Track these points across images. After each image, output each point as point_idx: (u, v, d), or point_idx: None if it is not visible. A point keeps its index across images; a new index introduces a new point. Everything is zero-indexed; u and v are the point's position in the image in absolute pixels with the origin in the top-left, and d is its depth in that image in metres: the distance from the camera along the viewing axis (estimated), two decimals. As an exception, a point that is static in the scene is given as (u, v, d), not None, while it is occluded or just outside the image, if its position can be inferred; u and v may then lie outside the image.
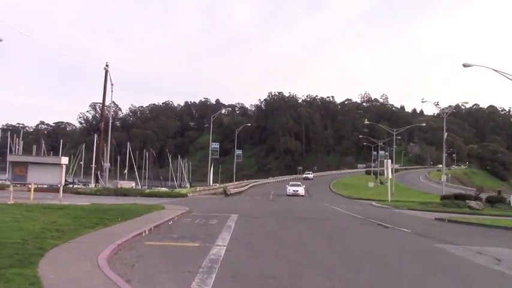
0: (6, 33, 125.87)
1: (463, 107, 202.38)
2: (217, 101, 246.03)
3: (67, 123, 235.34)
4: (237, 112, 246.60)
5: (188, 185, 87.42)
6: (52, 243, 10.04)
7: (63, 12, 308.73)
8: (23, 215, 15.14)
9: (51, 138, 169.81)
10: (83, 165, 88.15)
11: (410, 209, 36.26)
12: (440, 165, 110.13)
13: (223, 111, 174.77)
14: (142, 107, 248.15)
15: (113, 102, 59.81)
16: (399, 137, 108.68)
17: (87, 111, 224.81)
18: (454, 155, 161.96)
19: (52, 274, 7.22)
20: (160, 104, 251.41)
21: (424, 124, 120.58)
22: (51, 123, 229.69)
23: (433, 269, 10.03)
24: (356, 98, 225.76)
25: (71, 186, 50.52)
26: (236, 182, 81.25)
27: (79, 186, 50.48)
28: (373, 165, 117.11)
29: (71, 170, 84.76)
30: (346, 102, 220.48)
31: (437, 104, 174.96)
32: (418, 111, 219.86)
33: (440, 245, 14.07)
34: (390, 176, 50.64)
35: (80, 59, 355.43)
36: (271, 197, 52.68)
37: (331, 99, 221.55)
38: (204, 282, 7.66)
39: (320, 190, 74.48)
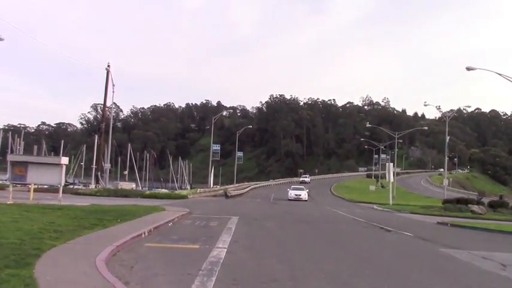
0: (8, 32, 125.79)
1: (464, 111, 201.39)
2: (219, 103, 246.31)
3: (68, 124, 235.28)
4: (238, 114, 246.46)
5: (189, 187, 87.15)
6: (50, 243, 9.87)
7: (66, 12, 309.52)
8: (21, 215, 14.96)
9: (53, 139, 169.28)
10: (83, 166, 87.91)
11: (412, 212, 36.05)
12: (442, 169, 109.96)
13: (224, 113, 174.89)
14: (143, 108, 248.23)
15: (114, 103, 59.67)
16: (400, 141, 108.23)
17: (89, 112, 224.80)
18: (455, 159, 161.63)
19: (48, 275, 7.04)
20: (162, 105, 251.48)
21: (426, 128, 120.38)
22: (52, 124, 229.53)
23: (439, 275, 9.83)
24: (357, 101, 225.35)
25: (71, 186, 50.33)
26: (237, 184, 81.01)
27: (79, 187, 50.30)
28: (374, 168, 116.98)
29: (71, 170, 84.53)
30: (347, 105, 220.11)
31: (439, 108, 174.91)
32: (420, 115, 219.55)
33: (444, 249, 13.86)
34: (392, 179, 50.43)
35: (82, 59, 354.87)
36: (272, 199, 52.54)
37: (333, 102, 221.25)
38: (204, 285, 7.48)
39: (321, 193, 74.21)
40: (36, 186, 29.04)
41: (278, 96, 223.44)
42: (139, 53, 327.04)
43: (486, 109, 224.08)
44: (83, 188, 49.17)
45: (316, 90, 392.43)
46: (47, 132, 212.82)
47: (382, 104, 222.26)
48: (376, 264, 10.89)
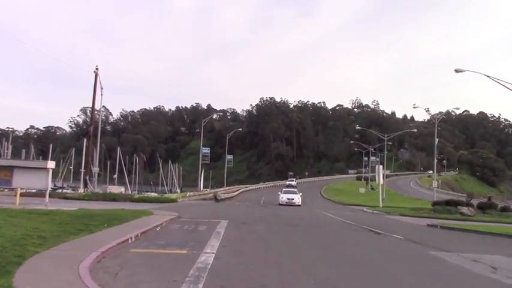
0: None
1: (453, 114, 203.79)
2: (209, 106, 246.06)
3: (57, 127, 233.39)
4: (229, 117, 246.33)
5: (178, 190, 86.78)
6: (32, 250, 9.61)
7: (54, 15, 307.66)
8: (5, 221, 14.62)
9: (41, 143, 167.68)
10: (72, 170, 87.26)
11: (402, 215, 36.07)
12: (431, 171, 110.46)
13: (214, 116, 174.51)
14: (133, 111, 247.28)
15: (104, 106, 59.42)
16: (390, 143, 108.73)
17: (78, 116, 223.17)
18: (444, 161, 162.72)
19: (28, 284, 6.81)
20: (152, 108, 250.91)
21: (416, 130, 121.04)
22: (41, 128, 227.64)
23: (429, 278, 9.71)
24: (347, 104, 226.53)
25: (59, 191, 49.82)
26: (227, 188, 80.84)
27: (68, 191, 49.82)
28: (364, 171, 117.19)
29: (60, 174, 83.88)
30: (337, 108, 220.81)
31: (427, 110, 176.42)
32: (409, 117, 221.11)
33: (434, 252, 13.76)
34: (382, 181, 50.45)
35: (72, 62, 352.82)
36: (262, 202, 52.34)
37: (323, 105, 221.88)
38: (190, 292, 7.29)
39: (311, 196, 74.08)
40: (24, 191, 28.66)
41: (268, 99, 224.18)
42: (129, 56, 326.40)
43: (474, 111, 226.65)
44: (72, 192, 48.72)
45: (306, 93, 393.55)
46: (35, 136, 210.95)
47: (372, 106, 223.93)
48: (367, 268, 10.75)
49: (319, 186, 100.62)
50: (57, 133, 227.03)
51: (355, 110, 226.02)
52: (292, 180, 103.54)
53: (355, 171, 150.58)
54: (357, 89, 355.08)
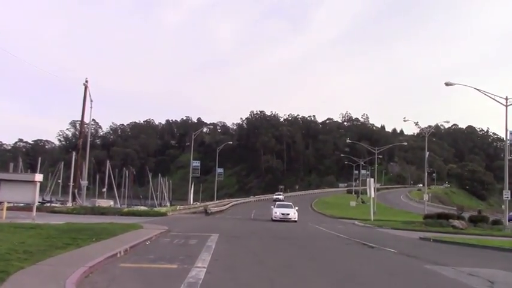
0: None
1: (442, 127, 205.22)
2: (199, 119, 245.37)
3: (46, 140, 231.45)
4: (219, 131, 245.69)
5: (168, 204, 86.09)
6: (17, 265, 9.28)
7: (43, 28, 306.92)
8: (-10, 235, 14.27)
9: (30, 156, 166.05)
10: (61, 183, 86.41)
11: (393, 228, 35.92)
12: (421, 185, 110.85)
13: (204, 129, 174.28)
14: (123, 125, 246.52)
15: (93, 120, 58.97)
16: (380, 156, 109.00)
17: (67, 129, 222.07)
18: (434, 174, 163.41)
19: (12, 301, 6.51)
20: (142, 122, 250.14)
21: (406, 143, 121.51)
22: (29, 141, 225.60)
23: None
24: (337, 118, 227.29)
25: (48, 204, 49.14)
26: (217, 201, 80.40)
27: (56, 205, 49.17)
28: (354, 184, 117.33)
29: (48, 188, 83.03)
30: (327, 121, 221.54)
31: (417, 124, 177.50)
32: (398, 131, 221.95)
33: (430, 266, 13.55)
34: (373, 194, 50.37)
35: (61, 75, 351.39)
36: (252, 216, 51.90)
37: (313, 119, 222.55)
38: (181, 309, 7.01)
39: (301, 209, 73.26)
40: (11, 205, 28.16)
41: (258, 112, 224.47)
42: (119, 69, 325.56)
43: (463, 125, 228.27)
44: (60, 206, 48.09)
45: (296, 106, 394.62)
46: (24, 149, 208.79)
47: (362, 120, 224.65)
48: (361, 282, 10.51)
49: (309, 199, 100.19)
50: (46, 146, 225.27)
51: (345, 123, 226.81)
52: (280, 194, 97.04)
53: (346, 184, 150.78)
54: (347, 102, 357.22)
